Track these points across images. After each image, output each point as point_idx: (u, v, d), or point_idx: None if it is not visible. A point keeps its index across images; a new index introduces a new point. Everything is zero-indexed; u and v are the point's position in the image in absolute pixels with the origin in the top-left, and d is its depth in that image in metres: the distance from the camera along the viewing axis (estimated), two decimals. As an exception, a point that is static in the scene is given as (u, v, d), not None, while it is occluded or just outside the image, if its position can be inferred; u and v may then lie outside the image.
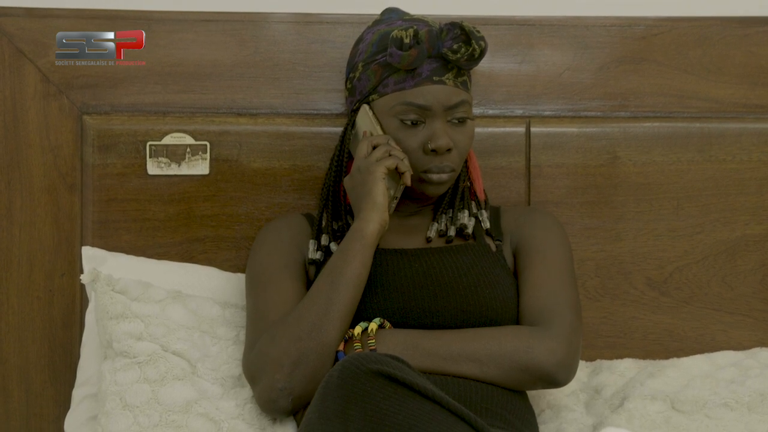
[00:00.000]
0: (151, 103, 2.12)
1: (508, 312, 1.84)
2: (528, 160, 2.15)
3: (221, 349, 1.93)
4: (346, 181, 1.89)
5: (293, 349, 1.74)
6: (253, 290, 1.90)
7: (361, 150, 1.87)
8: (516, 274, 1.93)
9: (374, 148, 1.87)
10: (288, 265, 1.90)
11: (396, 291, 1.83)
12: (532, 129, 2.16)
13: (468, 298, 1.83)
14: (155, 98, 2.12)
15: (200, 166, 2.12)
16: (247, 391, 1.86)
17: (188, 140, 2.11)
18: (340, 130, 2.05)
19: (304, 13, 2.15)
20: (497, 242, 1.95)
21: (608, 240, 2.17)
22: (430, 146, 1.86)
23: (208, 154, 2.11)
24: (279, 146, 2.12)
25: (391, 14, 1.97)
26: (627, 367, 2.10)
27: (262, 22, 2.14)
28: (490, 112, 2.17)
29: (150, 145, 2.10)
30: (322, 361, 1.74)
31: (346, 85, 1.97)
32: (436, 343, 1.77)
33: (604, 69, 2.18)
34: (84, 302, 2.08)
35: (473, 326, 1.82)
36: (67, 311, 2.10)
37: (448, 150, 1.87)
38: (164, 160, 2.11)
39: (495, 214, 1.99)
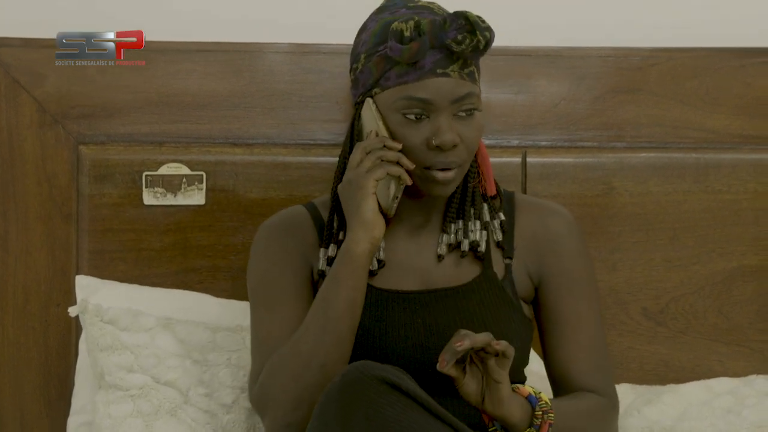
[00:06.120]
0: (147, 133, 2.12)
1: (517, 367, 1.79)
2: (524, 190, 2.15)
3: (212, 375, 1.92)
4: (339, 190, 1.78)
5: (292, 387, 1.69)
6: (255, 308, 1.81)
7: (354, 158, 1.76)
8: (524, 292, 1.85)
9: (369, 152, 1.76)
10: (292, 281, 1.81)
11: (396, 348, 1.76)
12: (528, 159, 2.16)
13: None
14: (151, 128, 2.12)
15: (196, 196, 2.11)
16: (237, 416, 1.86)
17: (184, 170, 2.11)
18: (336, 160, 2.03)
19: (300, 44, 2.15)
20: (507, 261, 1.84)
21: (604, 270, 2.16)
22: (435, 142, 1.73)
23: (204, 184, 2.11)
24: (275, 176, 2.12)
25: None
26: (623, 392, 2.09)
27: (258, 52, 2.14)
28: (487, 142, 2.15)
29: (146, 175, 2.10)
30: None
31: (350, 76, 1.85)
32: None
33: (600, 99, 2.18)
34: (79, 333, 2.07)
35: None
36: (62, 342, 2.10)
37: (454, 145, 1.75)
38: (160, 190, 2.10)
39: (509, 210, 1.87)
